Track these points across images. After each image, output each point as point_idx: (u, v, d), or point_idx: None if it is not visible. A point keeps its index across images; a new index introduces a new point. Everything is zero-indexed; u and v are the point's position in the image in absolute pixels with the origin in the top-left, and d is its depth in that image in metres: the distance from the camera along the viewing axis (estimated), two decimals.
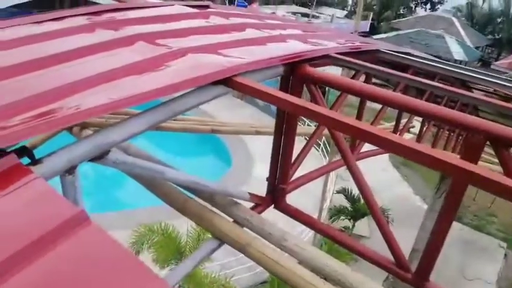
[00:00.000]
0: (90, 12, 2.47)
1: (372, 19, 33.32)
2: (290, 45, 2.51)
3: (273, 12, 24.04)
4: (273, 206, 2.77)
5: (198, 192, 2.47)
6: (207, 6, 3.16)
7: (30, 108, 1.32)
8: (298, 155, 2.73)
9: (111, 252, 0.94)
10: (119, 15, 2.49)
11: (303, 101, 1.66)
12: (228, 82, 1.78)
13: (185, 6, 2.99)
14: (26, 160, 1.29)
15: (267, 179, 2.73)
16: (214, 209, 2.46)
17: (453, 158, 1.48)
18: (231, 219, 2.43)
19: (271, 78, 2.08)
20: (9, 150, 1.19)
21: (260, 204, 2.64)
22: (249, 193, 2.52)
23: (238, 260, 8.65)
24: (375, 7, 37.57)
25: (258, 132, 4.93)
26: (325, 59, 2.38)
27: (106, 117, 3.20)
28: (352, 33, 12.40)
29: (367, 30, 28.93)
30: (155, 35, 2.20)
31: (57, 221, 0.97)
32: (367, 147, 3.48)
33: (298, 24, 4.49)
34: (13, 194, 1.05)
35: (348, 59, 2.36)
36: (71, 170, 1.34)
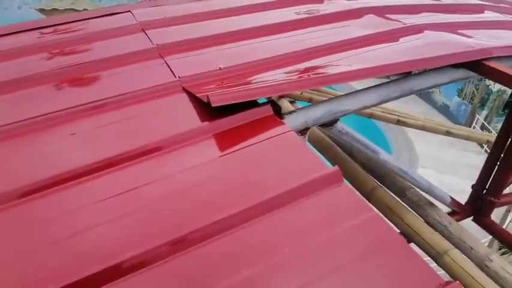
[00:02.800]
0: None
1: None
2: None
3: None
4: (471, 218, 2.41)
5: (390, 183, 2.31)
6: None
7: (283, 65, 1.39)
8: None
9: (363, 216, 0.89)
10: None
11: None
12: (473, 66, 1.54)
13: None
14: None
15: (473, 187, 2.37)
16: (404, 204, 2.28)
17: None
18: (422, 219, 2.21)
19: None
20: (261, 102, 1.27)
21: (458, 212, 2.32)
22: (451, 197, 2.23)
23: None
24: None
25: (448, 133, 4.36)
26: None
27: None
28: None
29: None
30: (384, 9, 2.08)
31: (310, 176, 0.98)
32: None
33: None
34: (269, 142, 1.11)
35: None
36: (304, 130, 1.37)
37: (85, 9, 12.51)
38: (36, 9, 11.32)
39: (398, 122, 4.12)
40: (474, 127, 15.10)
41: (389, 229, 0.85)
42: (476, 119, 15.13)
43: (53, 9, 11.53)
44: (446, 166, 11.91)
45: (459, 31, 1.85)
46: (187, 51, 1.61)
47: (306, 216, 0.93)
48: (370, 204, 0.92)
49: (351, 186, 0.97)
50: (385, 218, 2.14)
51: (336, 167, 0.96)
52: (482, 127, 14.48)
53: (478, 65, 1.53)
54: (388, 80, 1.50)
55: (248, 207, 0.90)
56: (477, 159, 12.26)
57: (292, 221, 0.91)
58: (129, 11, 2.01)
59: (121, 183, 1.01)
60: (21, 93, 1.42)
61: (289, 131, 1.13)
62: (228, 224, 0.87)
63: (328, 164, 2.29)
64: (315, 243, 0.86)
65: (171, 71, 1.45)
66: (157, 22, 1.83)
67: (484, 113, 15.09)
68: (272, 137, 1.13)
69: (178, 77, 1.39)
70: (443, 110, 16.88)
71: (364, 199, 0.92)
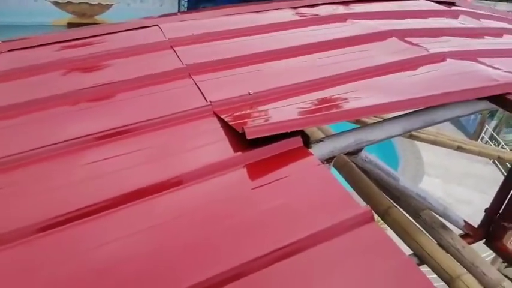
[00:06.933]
0: (340, 1, 2.53)
1: None
2: None
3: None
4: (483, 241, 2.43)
5: (405, 203, 2.34)
6: (453, 3, 2.87)
7: (309, 91, 1.42)
8: None
9: (395, 261, 0.92)
10: (366, 7, 2.48)
11: None
12: (496, 99, 1.57)
13: (430, 2, 2.78)
14: None
15: (486, 210, 2.39)
16: (417, 225, 2.30)
17: None
18: (435, 241, 2.24)
19: None
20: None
21: (471, 235, 2.34)
22: (464, 220, 2.26)
23: None
24: None
25: (459, 148, 4.38)
26: None
27: None
28: None
29: None
30: (407, 32, 2.10)
31: (340, 216, 1.00)
32: None
33: None
34: (299, 176, 1.15)
35: None
36: (329, 159, 1.40)
37: (99, 3, 12.61)
38: (51, 2, 11.40)
39: (411, 136, 4.14)
40: (483, 137, 14.98)
41: (423, 278, 0.87)
42: (485, 129, 15.02)
43: (68, 2, 11.61)
44: (453, 176, 11.86)
45: (481, 59, 1.87)
46: (217, 72, 1.65)
47: (335, 257, 0.95)
48: (400, 248, 0.94)
49: (382, 227, 1.00)
50: (398, 238, 2.17)
51: (367, 207, 0.99)
52: (491, 137, 14.37)
53: (501, 99, 1.55)
54: (412, 111, 1.53)
55: (277, 248, 0.91)
56: (485, 170, 12.19)
57: (320, 262, 0.93)
58: (157, 25, 2.04)
59: (139, 219, 0.99)
60: (37, 116, 1.38)
61: (319, 165, 1.16)
62: (258, 265, 0.89)
63: (343, 180, 2.32)
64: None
65: (202, 94, 1.49)
66: (186, 39, 1.87)
67: (494, 123, 14.98)
68: (303, 171, 1.16)
69: (210, 101, 1.42)
70: (458, 124, 16.42)
71: (400, 250, 0.94)
